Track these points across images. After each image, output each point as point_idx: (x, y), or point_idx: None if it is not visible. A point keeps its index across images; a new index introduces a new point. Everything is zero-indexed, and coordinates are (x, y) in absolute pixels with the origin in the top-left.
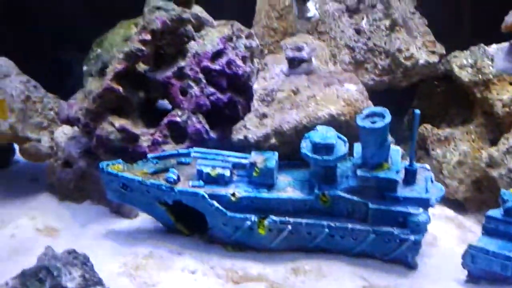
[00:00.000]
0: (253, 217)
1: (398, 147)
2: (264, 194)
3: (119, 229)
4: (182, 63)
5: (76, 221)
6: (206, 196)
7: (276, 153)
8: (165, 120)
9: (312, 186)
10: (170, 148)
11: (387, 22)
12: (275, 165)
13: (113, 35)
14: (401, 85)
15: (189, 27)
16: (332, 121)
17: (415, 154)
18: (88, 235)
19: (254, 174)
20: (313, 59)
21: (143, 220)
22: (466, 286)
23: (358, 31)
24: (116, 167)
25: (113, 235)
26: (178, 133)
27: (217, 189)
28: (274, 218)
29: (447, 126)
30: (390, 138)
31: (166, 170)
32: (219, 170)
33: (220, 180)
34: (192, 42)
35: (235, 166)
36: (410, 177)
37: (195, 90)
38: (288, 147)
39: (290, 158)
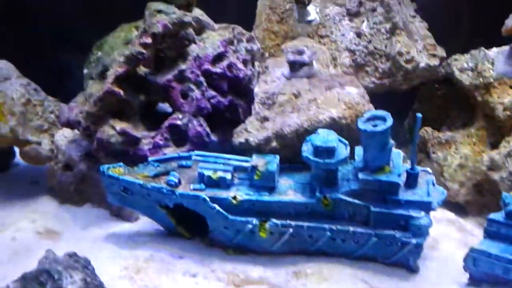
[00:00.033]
0: (254, 220)
1: (399, 150)
2: (266, 197)
3: (119, 232)
4: (183, 66)
5: (77, 224)
6: (207, 199)
7: (278, 156)
8: (166, 123)
9: (314, 189)
10: (171, 151)
11: (387, 26)
12: (276, 168)
13: (114, 38)
14: (401, 88)
15: (190, 30)
16: (333, 124)
17: (416, 157)
18: (89, 238)
19: (255, 177)
20: (314, 62)
21: (143, 223)
22: None
23: (358, 35)
24: (117, 170)
25: (113, 238)
26: (179, 136)
27: (218, 192)
28: (276, 221)
29: (447, 129)
30: (391, 141)
31: (167, 173)
32: (220, 173)
33: (221, 183)
34: (193, 45)
35: (236, 169)
36: (411, 180)
37: (196, 93)
38: (289, 150)
39: (291, 161)
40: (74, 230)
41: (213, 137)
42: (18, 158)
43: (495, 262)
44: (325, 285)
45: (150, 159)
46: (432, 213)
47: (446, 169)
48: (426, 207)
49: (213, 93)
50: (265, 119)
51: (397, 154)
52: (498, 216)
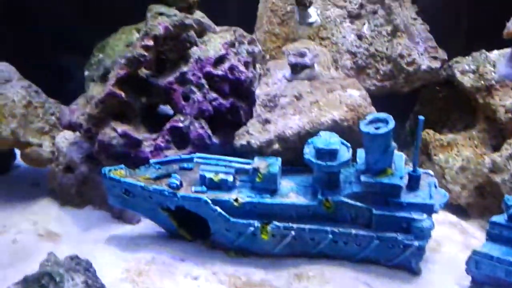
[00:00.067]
0: (256, 223)
1: (401, 153)
2: (267, 199)
3: (121, 235)
4: (184, 69)
5: (78, 226)
6: (209, 201)
7: (279, 159)
8: (168, 125)
9: (315, 191)
10: (172, 153)
11: (388, 28)
12: (278, 171)
13: (115, 40)
14: (402, 90)
15: (192, 33)
16: (335, 127)
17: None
18: (90, 241)
19: (257, 179)
20: (315, 65)
21: (145, 225)
22: None
23: (359, 37)
24: (119, 172)
25: (115, 240)
26: (181, 138)
27: (220, 195)
28: (277, 223)
29: (448, 132)
30: (393, 144)
31: (168, 175)
32: (222, 176)
33: (223, 186)
34: (195, 48)
35: (238, 171)
36: (413, 183)
37: (198, 95)
38: (291, 152)
39: (293, 163)
40: (75, 233)
41: (215, 139)
42: (19, 160)
43: (497, 265)
44: (327, 287)
45: (151, 161)
46: (434, 215)
47: (448, 171)
48: (428, 209)
49: (214, 95)
50: (267, 121)
51: (399, 157)
52: (501, 218)
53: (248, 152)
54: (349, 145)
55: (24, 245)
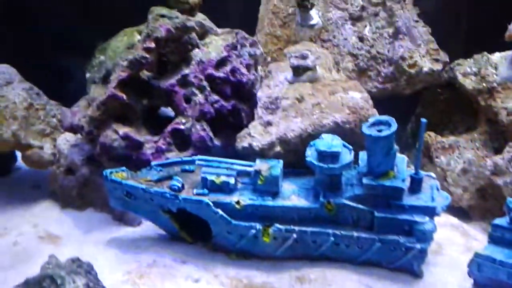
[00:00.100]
0: (258, 225)
1: (403, 155)
2: (269, 202)
3: (122, 237)
4: (186, 71)
5: (79, 228)
6: (211, 204)
7: (281, 161)
8: (169, 127)
9: (317, 194)
10: (173, 155)
11: (390, 30)
12: (280, 173)
13: (116, 42)
14: (404, 92)
15: (193, 35)
16: (337, 129)
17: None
18: (91, 243)
19: (259, 182)
20: (317, 67)
21: (146, 228)
22: None
23: (361, 39)
24: (120, 174)
25: (116, 243)
26: (182, 140)
27: (222, 197)
28: (279, 226)
29: (450, 134)
30: (395, 146)
31: (170, 177)
32: (223, 178)
33: (224, 188)
34: (196, 50)
35: (240, 174)
36: (415, 185)
37: (199, 97)
38: (293, 155)
39: (295, 166)
40: (76, 235)
41: (216, 142)
42: (20, 162)
43: (500, 268)
44: None
45: (153, 163)
46: (435, 218)
47: (450, 174)
48: (430, 212)
49: (216, 97)
50: (269, 123)
51: (401, 159)
52: (503, 221)
53: (249, 154)
54: (351, 147)
55: (25, 247)
